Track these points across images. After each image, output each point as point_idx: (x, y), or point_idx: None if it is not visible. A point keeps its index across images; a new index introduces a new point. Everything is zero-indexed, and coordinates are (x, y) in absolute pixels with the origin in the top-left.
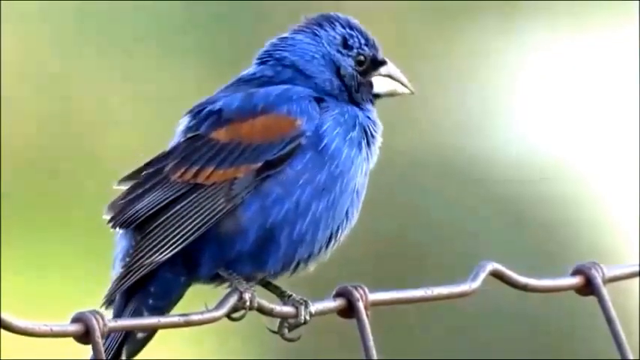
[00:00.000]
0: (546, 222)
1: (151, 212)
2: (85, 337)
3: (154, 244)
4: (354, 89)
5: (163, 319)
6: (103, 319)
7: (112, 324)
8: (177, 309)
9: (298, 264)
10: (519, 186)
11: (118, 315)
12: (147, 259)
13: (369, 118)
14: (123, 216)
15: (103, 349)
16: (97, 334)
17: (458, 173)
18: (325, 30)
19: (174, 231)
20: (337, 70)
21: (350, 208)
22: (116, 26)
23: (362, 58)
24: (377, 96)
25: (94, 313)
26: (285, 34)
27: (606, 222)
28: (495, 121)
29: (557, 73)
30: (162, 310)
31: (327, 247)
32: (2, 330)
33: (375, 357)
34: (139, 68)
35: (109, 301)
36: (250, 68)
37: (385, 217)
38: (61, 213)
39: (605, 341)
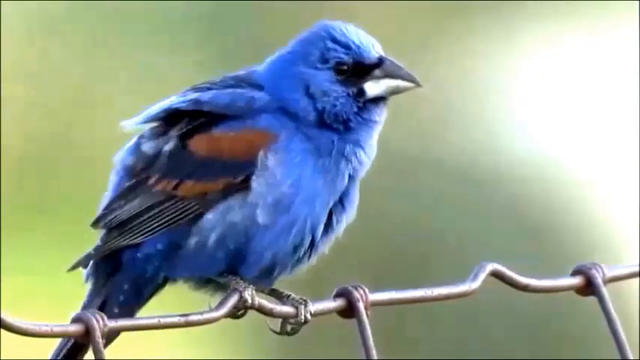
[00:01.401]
0: (546, 222)
1: (130, 216)
2: (85, 337)
3: (122, 232)
4: (329, 105)
5: (163, 320)
6: (103, 319)
7: (112, 324)
8: (177, 309)
9: (284, 268)
10: (519, 186)
11: (88, 303)
12: (112, 244)
13: (345, 141)
14: (104, 221)
15: (103, 350)
16: (97, 334)
17: (458, 173)
18: (303, 46)
19: (142, 226)
20: (307, 88)
21: (336, 215)
22: (116, 26)
23: (343, 67)
24: (378, 99)
25: (94, 313)
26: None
27: (606, 222)
28: (495, 121)
29: (557, 73)
30: (132, 308)
31: (311, 252)
32: (2, 330)
33: (375, 357)
34: (140, 68)
35: (72, 268)
36: (257, 67)
37: (385, 218)
38: (61, 213)
39: (605, 341)
